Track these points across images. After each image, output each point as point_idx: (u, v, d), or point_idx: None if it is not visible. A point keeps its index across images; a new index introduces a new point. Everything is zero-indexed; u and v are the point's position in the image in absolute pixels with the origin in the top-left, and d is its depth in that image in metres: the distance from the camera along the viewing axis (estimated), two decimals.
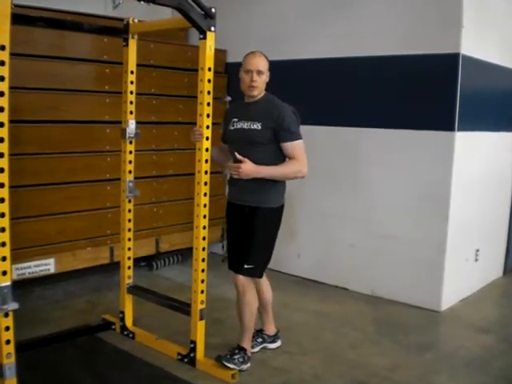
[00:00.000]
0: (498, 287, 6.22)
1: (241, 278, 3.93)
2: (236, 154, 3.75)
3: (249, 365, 3.98)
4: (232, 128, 3.94)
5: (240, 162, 3.71)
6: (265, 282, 4.24)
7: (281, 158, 3.84)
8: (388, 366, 4.13)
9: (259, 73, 3.81)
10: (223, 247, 4.15)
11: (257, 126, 3.80)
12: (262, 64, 3.84)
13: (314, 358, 4.22)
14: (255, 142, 3.80)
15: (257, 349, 4.27)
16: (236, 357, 3.92)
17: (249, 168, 3.67)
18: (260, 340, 4.31)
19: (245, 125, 3.86)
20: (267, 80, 3.91)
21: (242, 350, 4.01)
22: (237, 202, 3.95)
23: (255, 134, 3.80)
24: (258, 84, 3.83)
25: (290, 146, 3.78)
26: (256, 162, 3.72)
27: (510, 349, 4.55)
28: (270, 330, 4.37)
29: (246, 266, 3.87)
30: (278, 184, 3.89)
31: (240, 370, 3.88)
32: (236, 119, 3.92)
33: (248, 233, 3.88)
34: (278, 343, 4.39)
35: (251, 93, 3.86)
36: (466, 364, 4.22)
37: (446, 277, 5.22)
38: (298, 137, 3.80)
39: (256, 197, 3.83)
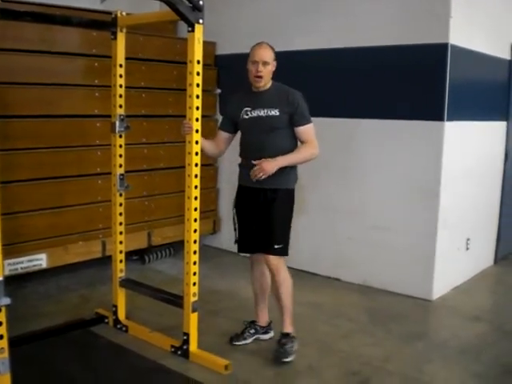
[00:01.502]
0: (490, 275, 6.25)
1: (271, 257, 4.00)
2: (252, 161, 3.85)
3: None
4: (246, 117, 4.02)
5: (254, 165, 3.84)
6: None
7: (294, 140, 4.01)
8: (381, 355, 4.15)
9: (265, 63, 3.90)
10: (235, 230, 4.19)
11: (275, 112, 3.92)
12: (267, 55, 3.92)
13: (307, 348, 4.22)
14: (274, 128, 3.93)
15: (249, 340, 4.28)
16: (287, 346, 3.99)
17: (270, 164, 3.81)
18: (252, 331, 4.32)
19: (261, 112, 3.96)
20: (273, 69, 3.99)
21: (287, 335, 4.06)
22: (254, 186, 3.99)
23: (274, 119, 3.93)
24: (264, 74, 3.91)
25: (304, 130, 3.96)
26: (273, 146, 3.90)
27: (503, 337, 4.58)
28: (263, 320, 4.38)
29: (276, 247, 3.98)
30: (294, 166, 4.06)
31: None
32: (249, 108, 4.01)
33: (272, 215, 3.99)
34: (271, 334, 4.39)
35: (258, 83, 3.95)
36: (458, 352, 4.24)
37: (437, 266, 5.24)
38: (310, 121, 3.98)
39: (276, 179, 3.91)
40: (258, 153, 3.89)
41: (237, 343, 4.25)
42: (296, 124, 3.94)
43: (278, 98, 3.95)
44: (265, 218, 4.01)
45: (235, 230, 4.22)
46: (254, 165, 3.84)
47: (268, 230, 4.00)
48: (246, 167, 4.02)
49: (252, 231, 4.11)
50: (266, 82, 3.97)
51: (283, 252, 4.03)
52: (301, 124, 3.94)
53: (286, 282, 4.06)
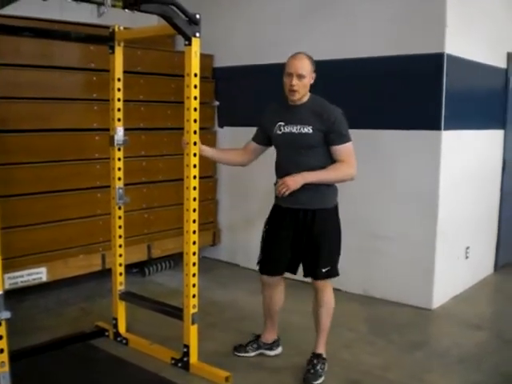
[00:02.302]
0: (490, 284, 6.26)
1: (321, 283, 3.94)
2: (277, 179, 3.78)
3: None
4: (280, 132, 3.84)
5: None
6: (283, 283, 4.23)
7: (330, 159, 3.79)
8: (381, 365, 4.16)
9: (300, 76, 3.67)
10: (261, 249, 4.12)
11: (307, 129, 3.71)
12: (303, 67, 3.69)
13: (308, 358, 4.23)
14: (307, 146, 3.74)
15: (252, 354, 4.26)
16: (318, 368, 3.92)
17: (293, 179, 3.65)
18: (255, 346, 4.28)
19: (294, 129, 3.76)
20: (312, 82, 3.77)
21: (318, 356, 4.00)
22: (291, 206, 3.85)
23: (307, 137, 3.73)
24: (299, 88, 3.69)
25: (340, 149, 3.74)
26: (307, 165, 3.72)
27: (503, 345, 4.58)
28: (268, 338, 4.31)
29: (323, 270, 3.87)
30: (331, 185, 3.88)
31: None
32: (282, 123, 3.82)
33: (314, 238, 3.85)
34: (277, 351, 4.33)
35: (292, 97, 3.75)
36: (459, 361, 4.24)
37: (436, 275, 5.25)
38: (348, 139, 3.75)
39: (313, 199, 3.79)
40: (290, 171, 3.71)
41: (238, 354, 4.25)
42: (332, 143, 3.71)
43: (312, 114, 3.73)
44: (306, 241, 3.87)
45: (261, 249, 4.10)
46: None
47: (312, 255, 3.88)
48: None
49: (283, 254, 3.99)
50: (301, 96, 3.75)
51: (330, 274, 3.92)
52: (337, 143, 3.71)
53: (328, 303, 3.99)
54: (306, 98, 3.82)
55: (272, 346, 4.32)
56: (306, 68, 3.71)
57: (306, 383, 3.85)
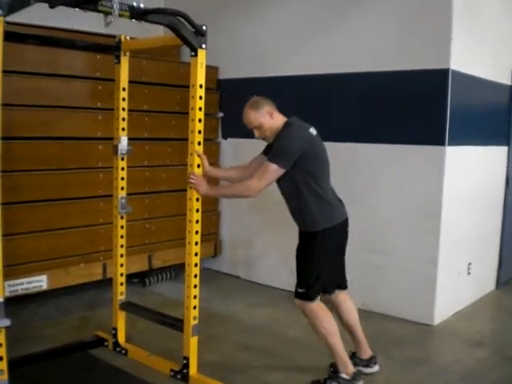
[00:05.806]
0: (491, 300, 6.23)
1: (297, 301, 3.89)
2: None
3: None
4: None
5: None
6: (343, 303, 4.20)
7: (299, 185, 3.74)
8: (382, 381, 4.13)
9: (256, 127, 3.77)
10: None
11: None
12: (250, 121, 3.77)
13: (307, 373, 4.18)
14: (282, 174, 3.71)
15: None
16: (327, 382, 3.90)
17: (200, 186, 3.74)
18: (352, 362, 4.11)
19: None
20: (271, 120, 3.76)
21: (334, 373, 3.95)
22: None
23: None
24: (264, 134, 3.80)
25: (264, 163, 3.70)
26: (287, 192, 3.83)
27: (504, 362, 4.55)
28: (363, 353, 4.25)
29: (299, 291, 3.85)
30: (317, 208, 3.79)
31: None
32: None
33: (298, 257, 3.90)
34: (375, 368, 4.23)
35: (266, 141, 3.90)
36: (459, 378, 4.21)
37: (438, 290, 5.23)
38: (275, 161, 3.62)
39: (302, 222, 3.88)
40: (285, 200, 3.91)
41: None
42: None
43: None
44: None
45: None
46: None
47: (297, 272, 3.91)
48: None
49: None
50: (272, 135, 3.76)
51: (304, 297, 3.83)
52: (268, 158, 3.69)
53: (315, 326, 3.91)
54: (279, 130, 3.76)
55: (368, 362, 4.23)
56: (253, 119, 3.76)
57: None
